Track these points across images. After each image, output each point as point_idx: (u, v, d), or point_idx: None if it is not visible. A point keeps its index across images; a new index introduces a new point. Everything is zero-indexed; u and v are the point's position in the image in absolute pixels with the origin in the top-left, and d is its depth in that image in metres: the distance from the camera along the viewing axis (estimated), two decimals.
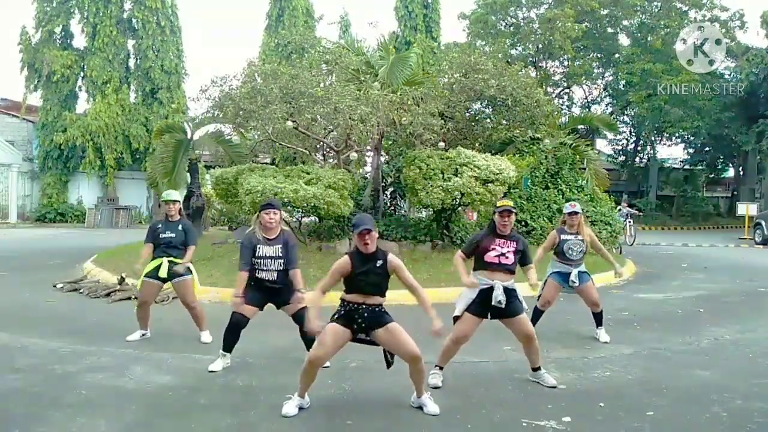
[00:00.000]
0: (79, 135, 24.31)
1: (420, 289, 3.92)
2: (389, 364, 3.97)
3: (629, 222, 16.67)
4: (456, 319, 4.45)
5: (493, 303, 4.27)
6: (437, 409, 3.91)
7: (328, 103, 9.31)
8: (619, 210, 15.68)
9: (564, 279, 5.83)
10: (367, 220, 3.86)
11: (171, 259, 5.70)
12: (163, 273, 5.66)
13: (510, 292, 4.33)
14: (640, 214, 22.51)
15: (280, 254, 4.69)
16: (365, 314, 3.82)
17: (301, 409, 3.91)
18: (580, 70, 27.38)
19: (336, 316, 3.90)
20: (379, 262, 3.85)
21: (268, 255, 4.66)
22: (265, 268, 4.67)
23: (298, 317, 4.83)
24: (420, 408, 3.95)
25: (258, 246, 4.67)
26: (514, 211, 4.41)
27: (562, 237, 5.85)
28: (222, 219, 17.66)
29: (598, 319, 5.96)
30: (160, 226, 5.80)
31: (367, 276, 3.81)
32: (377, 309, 3.86)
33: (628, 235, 16.29)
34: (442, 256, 9.93)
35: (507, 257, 4.37)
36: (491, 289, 4.30)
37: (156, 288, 5.84)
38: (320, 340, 3.85)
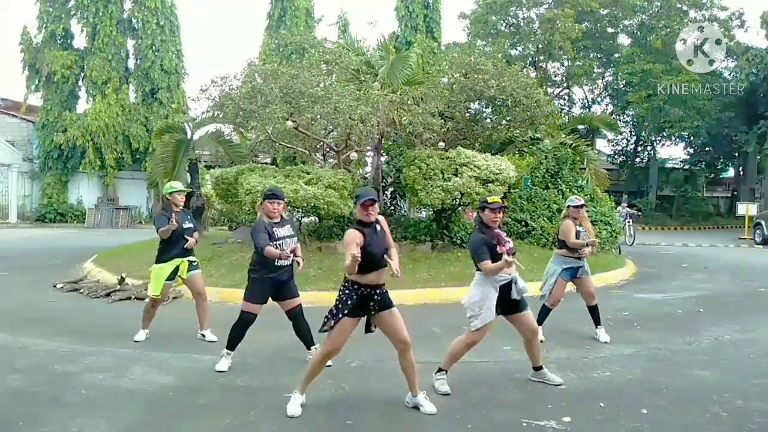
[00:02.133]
0: (79, 135, 24.30)
1: (395, 247, 4.01)
2: (370, 330, 3.97)
3: (628, 222, 16.68)
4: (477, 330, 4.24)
5: (514, 296, 4.21)
6: (434, 408, 3.91)
7: (328, 103, 9.31)
8: (618, 211, 15.68)
9: (572, 274, 5.81)
10: (371, 192, 3.97)
11: (189, 258, 5.79)
12: (183, 272, 5.73)
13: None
14: (640, 214, 22.49)
15: (293, 233, 4.87)
16: (378, 299, 3.83)
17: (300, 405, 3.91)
18: (580, 70, 27.37)
19: (351, 305, 3.76)
20: (378, 227, 3.91)
21: (285, 235, 4.79)
22: (286, 248, 4.72)
23: (293, 315, 4.91)
24: (417, 408, 3.95)
25: (274, 229, 4.78)
26: (504, 206, 4.35)
27: (578, 228, 5.74)
28: (222, 219, 17.68)
29: (595, 315, 5.95)
30: (174, 215, 5.64)
31: (377, 243, 3.81)
32: (385, 290, 3.89)
33: (627, 235, 16.31)
34: (442, 256, 9.93)
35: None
36: (508, 284, 4.22)
37: (168, 288, 5.90)
38: (335, 333, 3.80)
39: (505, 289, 4.24)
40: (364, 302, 3.81)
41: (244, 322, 4.80)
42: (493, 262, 4.09)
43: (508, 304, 4.27)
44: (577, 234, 5.70)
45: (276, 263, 4.72)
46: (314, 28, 27.39)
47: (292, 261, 4.71)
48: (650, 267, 11.82)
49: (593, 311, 5.95)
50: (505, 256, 4.04)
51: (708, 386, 4.49)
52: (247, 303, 4.82)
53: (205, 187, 15.93)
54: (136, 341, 5.66)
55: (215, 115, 11.00)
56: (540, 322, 5.79)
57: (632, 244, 16.32)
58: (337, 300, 3.85)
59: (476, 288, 4.26)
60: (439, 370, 4.40)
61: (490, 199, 4.33)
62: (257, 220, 4.93)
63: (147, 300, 6.03)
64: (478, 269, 4.26)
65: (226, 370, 4.76)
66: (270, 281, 4.79)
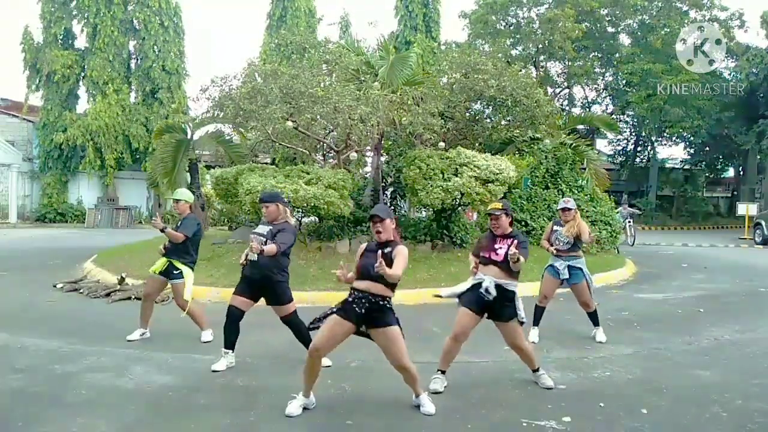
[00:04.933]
0: (80, 135, 24.30)
1: (397, 270, 3.75)
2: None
3: (629, 222, 16.68)
4: (460, 298, 4.42)
5: (479, 290, 4.22)
6: (433, 408, 3.91)
7: (328, 103, 9.31)
8: (620, 211, 15.69)
9: (556, 272, 5.84)
10: (380, 210, 3.98)
11: (170, 259, 5.76)
12: (156, 269, 5.83)
13: (504, 293, 4.24)
14: (640, 213, 22.51)
15: (266, 234, 4.72)
16: (366, 305, 3.78)
17: (305, 409, 3.91)
18: (580, 70, 27.38)
19: (342, 303, 3.88)
20: (387, 249, 3.87)
21: (257, 232, 4.79)
22: (251, 244, 4.66)
23: (288, 322, 4.90)
24: (417, 407, 3.95)
25: (258, 226, 4.88)
26: (498, 213, 4.37)
27: (554, 228, 5.94)
28: (222, 219, 17.68)
29: (594, 319, 5.96)
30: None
31: (370, 258, 3.81)
32: (381, 302, 3.81)
33: (628, 236, 16.30)
34: (442, 256, 9.93)
35: (497, 254, 4.30)
36: (482, 283, 4.27)
37: (158, 283, 5.91)
38: (319, 331, 3.87)
39: (478, 287, 4.30)
40: (351, 305, 3.82)
41: (228, 315, 4.81)
42: (478, 261, 4.44)
43: (486, 306, 4.28)
44: (552, 234, 5.94)
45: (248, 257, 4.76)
46: (315, 28, 27.35)
47: (267, 266, 4.66)
48: (650, 267, 11.81)
49: (591, 315, 5.97)
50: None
51: (708, 386, 4.49)
52: (231, 295, 4.91)
53: (205, 187, 15.93)
54: (128, 340, 5.66)
55: (215, 115, 11.00)
56: (536, 322, 5.83)
57: (633, 244, 16.32)
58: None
59: None
60: (437, 370, 4.43)
61: (489, 206, 4.56)
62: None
63: None
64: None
65: (222, 370, 4.75)
66: (244, 277, 4.85)
